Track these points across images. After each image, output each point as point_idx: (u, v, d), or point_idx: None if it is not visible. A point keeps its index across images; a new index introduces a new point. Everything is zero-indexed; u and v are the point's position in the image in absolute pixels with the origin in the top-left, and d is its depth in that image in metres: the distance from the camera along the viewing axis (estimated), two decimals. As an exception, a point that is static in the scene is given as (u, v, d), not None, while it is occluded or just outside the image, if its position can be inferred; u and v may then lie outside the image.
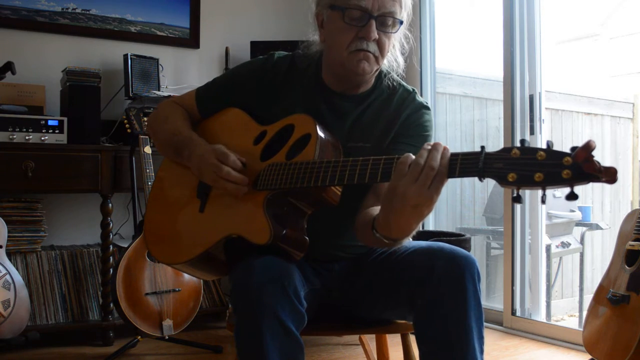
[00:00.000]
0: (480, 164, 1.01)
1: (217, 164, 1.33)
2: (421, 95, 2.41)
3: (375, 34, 1.37)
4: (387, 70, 1.52)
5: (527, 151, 0.97)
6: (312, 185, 1.23)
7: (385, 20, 1.38)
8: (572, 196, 0.93)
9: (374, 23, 1.37)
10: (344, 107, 1.48)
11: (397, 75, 1.54)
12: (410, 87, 1.54)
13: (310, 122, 1.34)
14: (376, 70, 1.45)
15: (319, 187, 1.23)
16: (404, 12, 1.41)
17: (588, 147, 0.91)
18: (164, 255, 1.47)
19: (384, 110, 1.49)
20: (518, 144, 0.99)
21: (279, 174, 1.28)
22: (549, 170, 0.94)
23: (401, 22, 1.40)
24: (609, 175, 0.90)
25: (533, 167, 0.95)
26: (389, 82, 1.51)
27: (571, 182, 0.92)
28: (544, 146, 0.96)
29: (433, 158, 1.07)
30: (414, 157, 1.10)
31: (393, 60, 1.51)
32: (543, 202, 0.98)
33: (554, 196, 3.78)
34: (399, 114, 1.48)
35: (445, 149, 1.09)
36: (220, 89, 1.58)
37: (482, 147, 1.03)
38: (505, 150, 0.99)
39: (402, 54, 1.52)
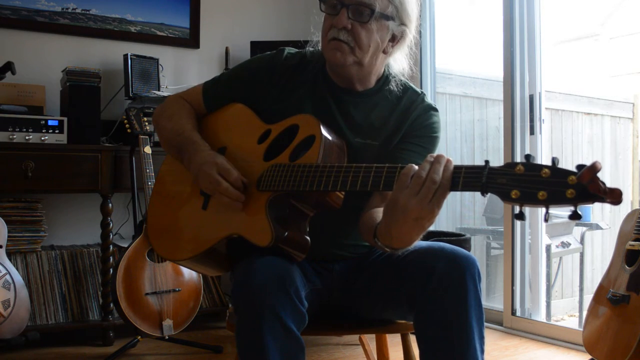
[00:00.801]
0: (484, 178, 1.00)
1: (217, 179, 1.32)
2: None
3: (344, 22, 1.37)
4: (394, 73, 1.52)
5: (532, 168, 0.96)
6: (315, 190, 1.22)
7: (358, 10, 1.37)
8: (575, 216, 0.92)
9: (345, 12, 1.37)
10: (350, 102, 1.48)
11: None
12: (419, 90, 1.54)
13: (314, 124, 1.33)
14: (354, 62, 1.41)
15: (322, 191, 1.23)
16: (388, 7, 1.39)
17: (594, 168, 0.90)
18: (165, 250, 1.48)
19: (393, 111, 1.49)
20: (523, 160, 0.97)
21: (282, 176, 1.28)
22: (553, 189, 0.93)
23: (372, 12, 1.37)
24: (613, 197, 0.90)
25: (537, 185, 0.94)
26: (397, 85, 1.51)
27: (575, 201, 0.91)
28: (549, 163, 0.95)
29: (435, 171, 1.06)
30: (417, 168, 1.09)
31: (398, 64, 1.50)
32: (546, 220, 0.97)
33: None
34: (407, 115, 1.48)
35: (448, 161, 1.07)
36: (228, 85, 1.58)
37: (487, 162, 1.01)
38: (510, 166, 0.98)
39: (411, 59, 1.52)
